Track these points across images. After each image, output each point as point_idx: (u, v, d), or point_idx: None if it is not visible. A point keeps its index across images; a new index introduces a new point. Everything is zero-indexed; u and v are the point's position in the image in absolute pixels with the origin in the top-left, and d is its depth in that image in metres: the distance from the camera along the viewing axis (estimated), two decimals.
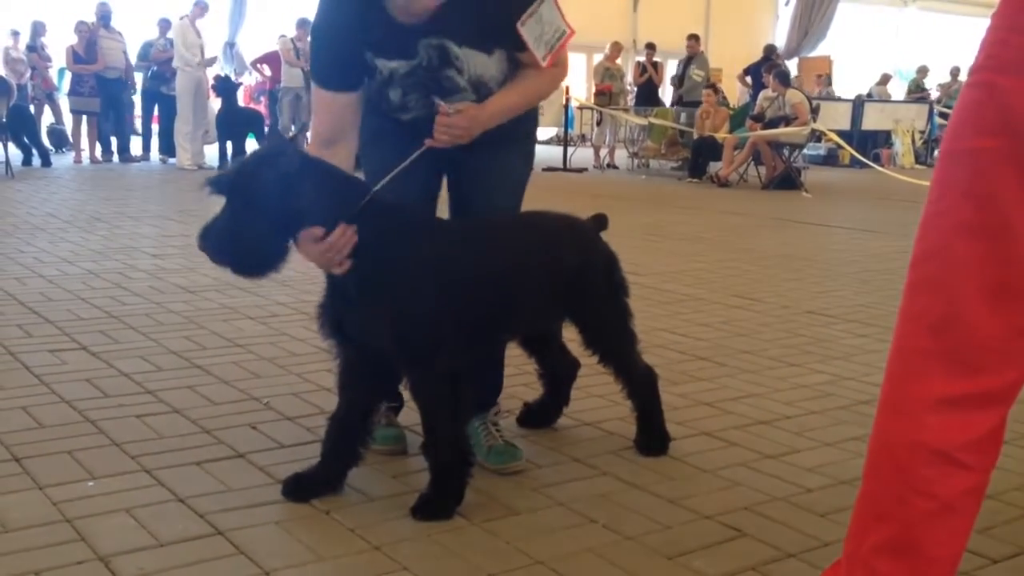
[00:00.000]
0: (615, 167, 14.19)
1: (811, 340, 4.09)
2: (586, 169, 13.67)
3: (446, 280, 2.27)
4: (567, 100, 13.76)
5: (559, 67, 2.46)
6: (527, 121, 2.55)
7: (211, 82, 12.12)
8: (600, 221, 2.73)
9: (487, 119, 2.35)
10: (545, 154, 14.61)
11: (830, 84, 17.90)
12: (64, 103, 13.31)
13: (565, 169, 13.55)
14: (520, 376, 3.17)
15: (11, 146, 11.23)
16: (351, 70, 2.37)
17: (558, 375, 2.87)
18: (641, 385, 2.70)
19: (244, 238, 2.16)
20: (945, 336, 1.43)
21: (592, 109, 14.23)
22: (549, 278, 2.46)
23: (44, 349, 3.57)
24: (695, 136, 12.58)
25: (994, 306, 1.40)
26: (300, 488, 2.35)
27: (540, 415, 2.90)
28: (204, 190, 2.20)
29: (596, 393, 3.16)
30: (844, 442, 2.83)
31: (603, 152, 14.33)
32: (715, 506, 2.36)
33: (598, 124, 14.33)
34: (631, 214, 8.87)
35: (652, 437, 2.71)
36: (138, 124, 13.72)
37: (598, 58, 15.39)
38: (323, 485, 2.36)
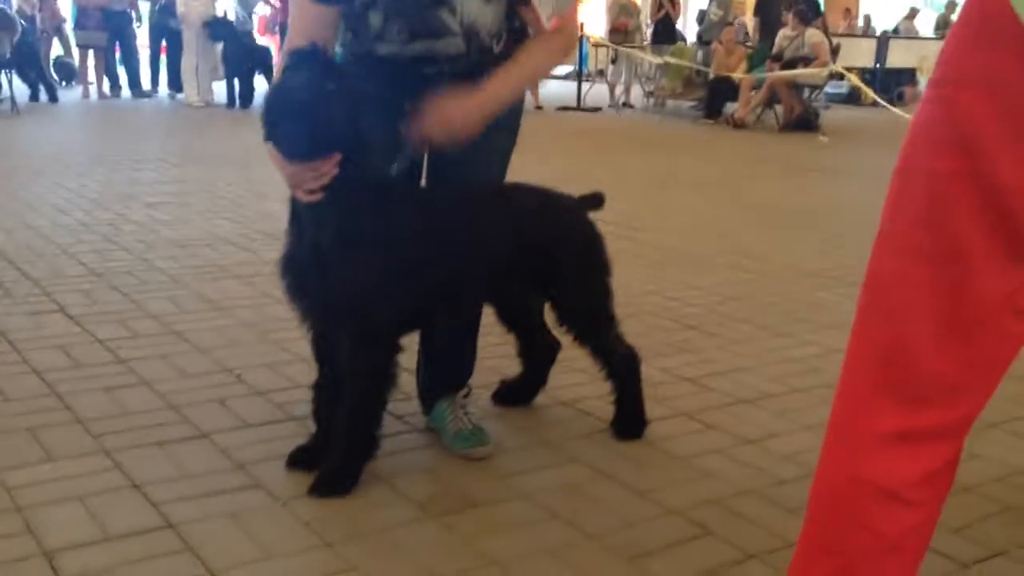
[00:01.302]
0: (631, 106, 13.95)
1: (808, 306, 3.99)
2: (600, 108, 13.46)
3: (409, 254, 2.20)
4: (581, 37, 13.46)
5: (565, 35, 2.33)
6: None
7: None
8: (593, 200, 2.62)
9: (488, 102, 2.21)
10: (559, 92, 14.41)
11: (857, 18, 17.48)
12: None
13: (579, 108, 13.36)
14: (503, 347, 3.09)
15: (17, 82, 11.15)
16: None
17: (537, 355, 2.80)
18: (620, 369, 2.62)
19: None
20: (893, 367, 1.34)
21: (607, 47, 13.93)
22: (513, 255, 2.37)
23: (22, 311, 3.53)
24: (711, 76, 12.32)
25: (945, 339, 1.30)
26: (302, 459, 2.35)
27: (516, 393, 2.83)
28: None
29: (577, 367, 3.07)
30: (824, 425, 2.74)
31: (618, 90, 14.08)
32: (683, 499, 2.30)
33: (613, 62, 14.05)
34: (640, 159, 8.72)
35: (628, 421, 2.65)
36: (145, 58, 13.56)
37: None
38: (321, 455, 2.33)
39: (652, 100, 13.85)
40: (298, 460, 2.35)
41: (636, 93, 14.22)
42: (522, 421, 2.73)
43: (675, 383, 3.08)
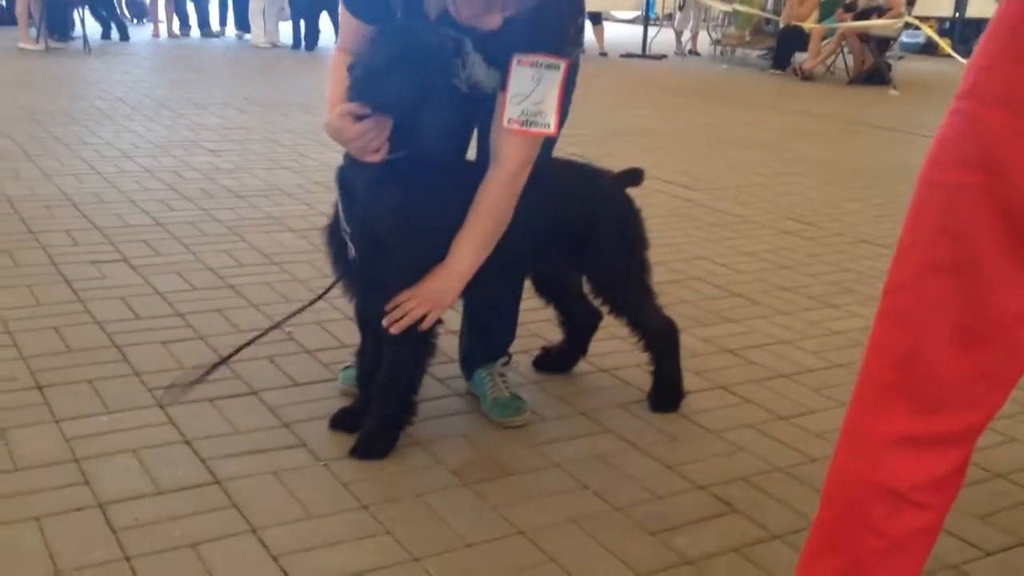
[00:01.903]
0: (697, 54, 13.75)
1: (858, 276, 3.98)
2: (666, 56, 13.29)
3: (455, 230, 2.26)
4: None
5: (515, 169, 2.23)
6: None
7: None
8: (632, 176, 2.63)
9: (464, 268, 2.25)
10: (625, 37, 14.25)
11: None
12: None
13: (644, 55, 13.19)
14: (545, 312, 3.14)
15: (89, 20, 11.33)
16: (377, 9, 2.30)
17: (577, 325, 2.85)
18: (657, 340, 2.66)
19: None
20: (907, 372, 1.37)
21: None
22: (550, 229, 2.41)
23: (87, 260, 3.66)
24: (781, 25, 12.07)
25: (959, 347, 1.33)
26: (345, 421, 2.45)
27: (557, 360, 2.89)
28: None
29: (619, 335, 3.09)
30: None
31: (685, 38, 13.87)
32: (712, 475, 2.35)
33: (680, 8, 13.82)
34: (702, 112, 8.64)
35: (664, 393, 2.69)
36: None
37: None
38: (364, 418, 2.42)
39: (719, 48, 13.62)
40: (340, 422, 2.45)
41: (703, 41, 13.99)
42: (561, 389, 2.79)
43: (716, 354, 3.11)
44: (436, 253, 2.24)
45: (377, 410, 2.37)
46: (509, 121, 2.19)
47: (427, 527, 2.08)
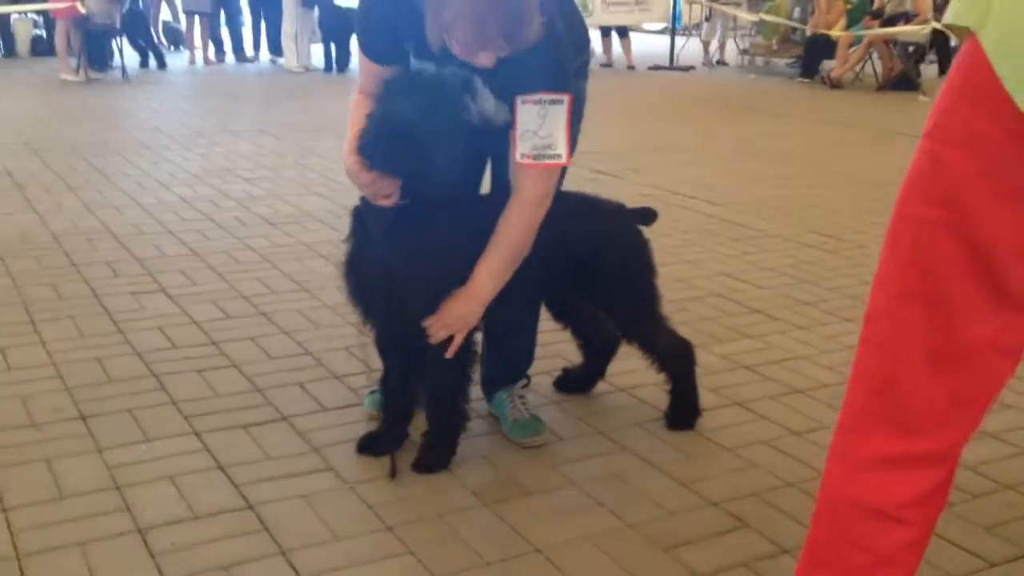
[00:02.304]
0: (725, 64, 13.78)
1: None
2: (693, 67, 13.34)
3: (471, 261, 2.37)
4: None
5: (534, 200, 2.35)
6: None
7: None
8: (644, 214, 2.71)
9: (483, 294, 2.36)
10: (653, 49, 14.32)
11: None
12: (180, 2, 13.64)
13: (671, 67, 13.25)
14: (568, 334, 3.24)
15: (128, 50, 11.62)
16: (392, 52, 2.41)
17: (595, 348, 2.94)
18: (671, 362, 2.74)
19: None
20: (886, 397, 1.45)
21: (701, 3, 13.75)
22: (561, 260, 2.50)
23: (127, 292, 3.81)
24: (808, 33, 12.09)
25: (934, 372, 1.41)
26: (371, 445, 2.57)
27: (577, 381, 2.99)
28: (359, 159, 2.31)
29: (637, 354, 3.20)
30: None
31: (712, 47, 13.91)
32: (724, 491, 2.43)
33: (707, 19, 13.87)
34: (728, 123, 8.69)
35: (680, 412, 2.77)
36: (249, 23, 13.92)
37: None
38: (389, 442, 2.55)
39: (747, 58, 13.65)
40: (367, 446, 2.56)
41: (731, 50, 14.03)
42: (580, 409, 2.88)
43: (733, 371, 3.19)
44: (453, 285, 2.35)
45: (433, 423, 2.51)
46: (522, 156, 2.29)
47: (447, 547, 2.18)
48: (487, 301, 2.37)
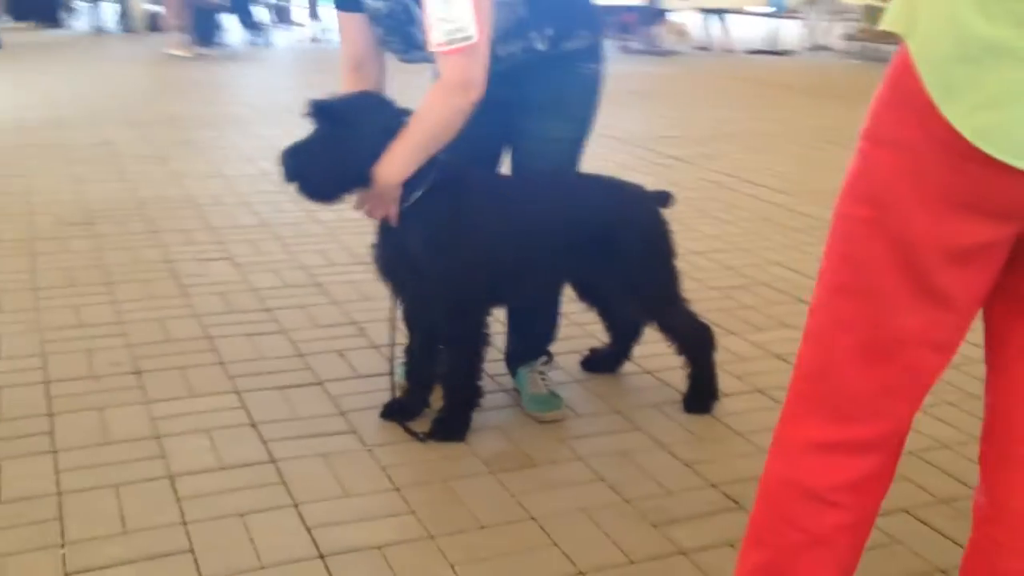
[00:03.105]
0: (828, 49, 13.51)
1: None
2: (794, 51, 13.12)
3: (492, 240, 2.49)
4: None
5: (454, 83, 2.31)
6: (574, 83, 2.62)
7: None
8: (662, 197, 2.77)
9: (393, 172, 2.37)
10: (756, 32, 14.12)
11: None
12: None
13: (771, 51, 13.06)
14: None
15: (236, 26, 12.02)
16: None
17: (620, 330, 3.03)
18: (690, 346, 2.81)
19: (322, 166, 2.38)
20: (820, 384, 1.52)
21: None
22: (579, 240, 2.59)
23: (196, 259, 4.05)
24: None
25: (864, 363, 1.47)
26: (394, 412, 2.72)
27: (603, 362, 3.08)
28: (306, 111, 2.39)
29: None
30: None
31: (816, 32, 13.65)
32: (726, 474, 2.50)
33: (811, 2, 13.61)
34: (816, 112, 8.57)
35: (697, 395, 2.84)
36: None
37: None
38: (411, 410, 2.71)
39: (851, 42, 13.35)
40: (390, 413, 2.71)
41: (835, 34, 13.74)
42: (601, 388, 2.98)
43: (763, 358, 3.23)
44: (470, 265, 2.47)
45: (447, 398, 2.64)
46: (436, 44, 2.29)
47: (448, 509, 2.31)
48: (398, 179, 2.37)
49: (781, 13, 13.99)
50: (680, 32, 13.62)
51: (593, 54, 2.61)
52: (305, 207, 4.86)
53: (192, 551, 2.11)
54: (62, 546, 2.12)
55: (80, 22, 14.05)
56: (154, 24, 13.69)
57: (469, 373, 2.60)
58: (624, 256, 2.63)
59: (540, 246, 2.55)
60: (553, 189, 2.63)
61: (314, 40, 13.31)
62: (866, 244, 1.43)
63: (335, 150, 2.34)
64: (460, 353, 2.58)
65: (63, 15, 14.20)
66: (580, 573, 2.08)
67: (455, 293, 2.51)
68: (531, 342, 2.88)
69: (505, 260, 2.53)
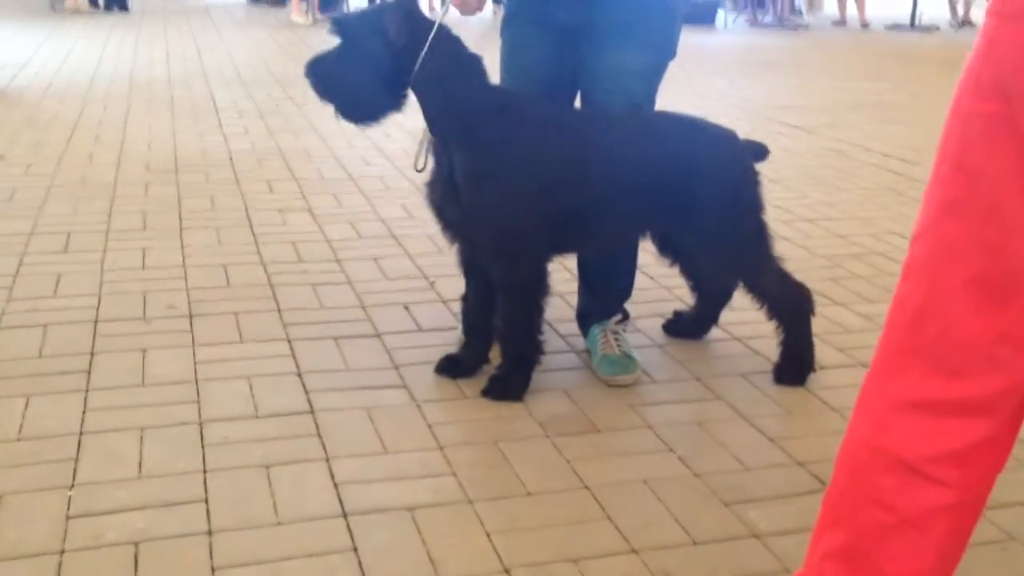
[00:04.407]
0: (972, 24, 12.65)
1: None
2: (938, 28, 12.34)
3: (545, 176, 2.23)
4: None
5: None
6: (649, 6, 2.34)
7: None
8: (757, 148, 2.46)
9: None
10: (890, 9, 13.35)
11: None
12: None
13: (912, 26, 12.33)
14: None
15: None
16: None
17: (708, 293, 2.72)
18: (784, 310, 2.49)
19: (352, 78, 2.22)
20: (923, 329, 1.21)
21: None
22: (654, 184, 2.30)
23: (275, 208, 3.90)
24: None
25: (978, 301, 1.16)
26: (449, 366, 2.49)
27: (687, 326, 2.78)
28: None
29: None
30: None
31: (960, 7, 12.82)
32: (816, 452, 2.18)
33: None
34: (950, 86, 7.94)
35: (789, 365, 2.52)
36: None
37: None
38: (467, 365, 2.48)
39: None
40: (445, 368, 2.48)
41: (980, 8, 12.87)
42: (683, 353, 2.68)
43: (871, 331, 2.87)
44: (526, 198, 2.22)
45: (504, 353, 2.40)
46: None
47: (493, 472, 2.06)
48: None
49: None
50: (812, 1, 13.00)
51: None
52: (395, 162, 4.69)
53: (206, 500, 1.93)
54: (71, 487, 1.96)
55: None
56: None
57: (526, 325, 2.34)
58: (704, 203, 2.33)
59: (606, 187, 2.27)
60: (625, 124, 2.34)
61: (432, 9, 13.19)
62: (988, 148, 1.11)
63: (363, 63, 2.13)
64: (514, 302, 2.32)
65: None
66: (633, 551, 1.81)
67: (503, 231, 2.25)
68: (604, 298, 2.60)
69: (563, 199, 2.26)
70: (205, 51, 8.53)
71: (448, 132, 2.25)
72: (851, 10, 12.82)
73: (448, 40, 2.21)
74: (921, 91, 7.55)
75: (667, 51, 2.39)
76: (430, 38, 2.15)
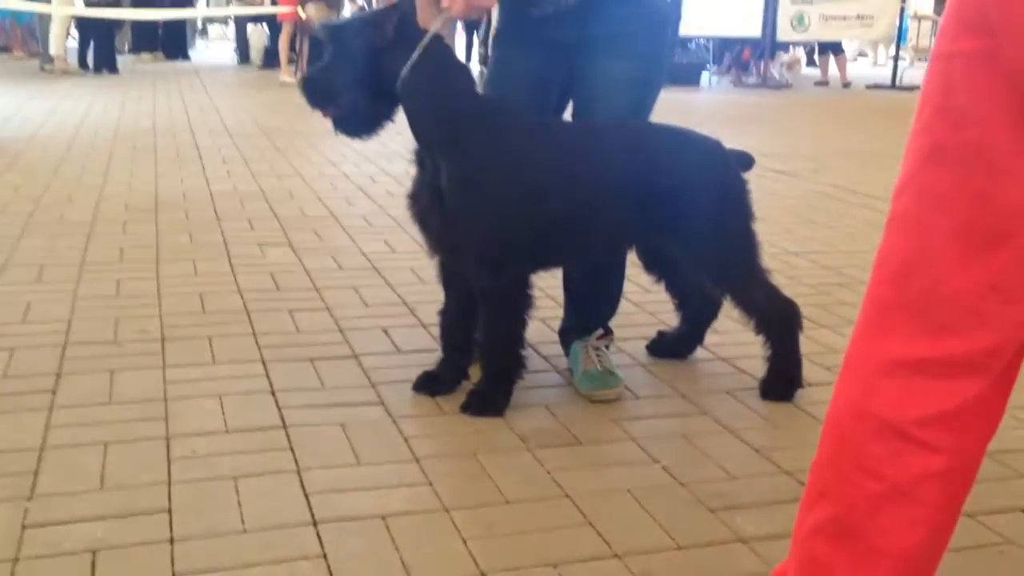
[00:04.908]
0: None
1: None
2: (918, 87, 12.50)
3: (531, 184, 2.20)
4: (902, 8, 12.56)
5: None
6: (639, 17, 2.33)
7: None
8: (742, 157, 2.44)
9: None
10: (873, 70, 13.57)
11: None
12: None
13: (893, 86, 12.50)
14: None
15: None
16: None
17: (694, 311, 2.67)
18: (771, 323, 2.44)
19: (340, 82, 2.18)
20: (908, 285, 1.16)
21: (932, 20, 12.89)
22: (641, 195, 2.27)
23: (254, 243, 3.85)
24: None
25: (964, 252, 1.11)
26: (427, 383, 2.42)
27: (671, 346, 2.72)
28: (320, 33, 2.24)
29: (739, 318, 2.90)
30: (1015, 408, 2.42)
31: None
32: (803, 461, 2.08)
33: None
34: None
35: (777, 380, 2.46)
36: None
37: None
38: (446, 380, 2.42)
39: None
40: (423, 384, 2.41)
41: None
42: (667, 372, 2.62)
43: None
44: (511, 206, 2.18)
45: (484, 367, 2.34)
46: None
47: (471, 482, 1.99)
48: None
49: (903, 47, 13.38)
50: (792, 63, 13.19)
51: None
52: (379, 202, 4.66)
53: (169, 511, 1.84)
54: (29, 499, 1.87)
55: (200, 56, 14.42)
56: (269, 57, 13.95)
57: (509, 338, 2.28)
58: (693, 212, 2.28)
59: (593, 197, 2.23)
60: (610, 133, 2.31)
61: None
62: (971, 86, 1.07)
63: (350, 65, 2.10)
64: (497, 314, 2.27)
65: (188, 50, 14.64)
66: (615, 556, 1.73)
67: (486, 240, 2.21)
68: (587, 313, 2.54)
69: (549, 208, 2.21)
70: (192, 106, 8.56)
71: (434, 139, 2.21)
72: (832, 70, 13.00)
73: (439, 48, 2.18)
74: (905, 141, 7.57)
75: (656, 62, 2.37)
76: (421, 45, 2.13)
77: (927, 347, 1.15)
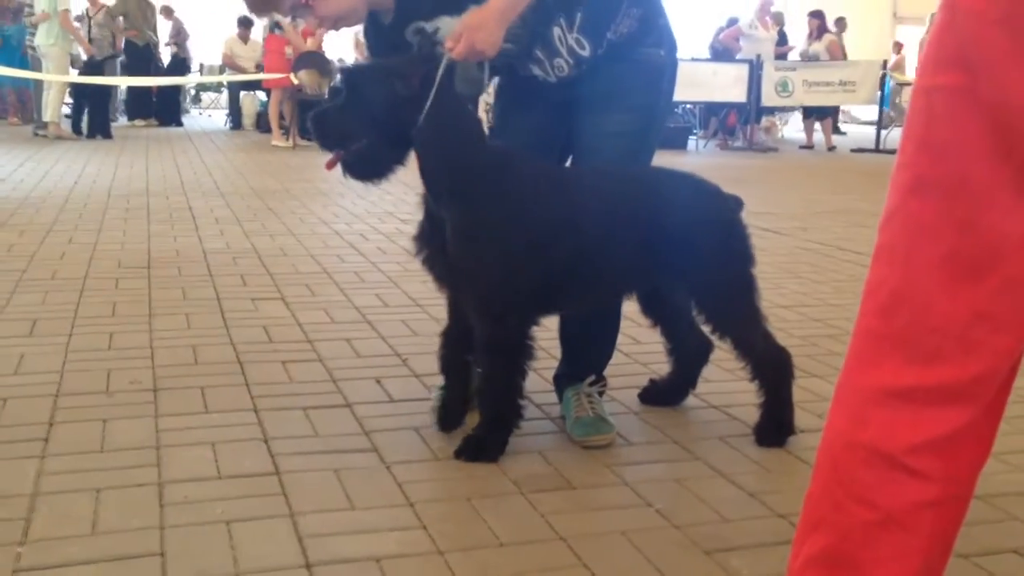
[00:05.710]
0: None
1: None
2: None
3: (536, 235, 2.22)
4: (884, 74, 12.80)
5: None
6: (634, 74, 2.38)
7: None
8: (737, 200, 2.48)
9: (497, 5, 2.13)
10: (859, 134, 13.78)
11: None
12: None
13: (877, 150, 12.67)
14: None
15: None
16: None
17: (687, 355, 2.69)
18: (765, 368, 2.46)
19: (357, 128, 2.18)
20: (896, 315, 1.18)
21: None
22: (644, 240, 2.30)
23: (248, 297, 3.87)
24: None
25: (950, 280, 1.13)
26: (449, 418, 2.45)
27: (663, 393, 2.73)
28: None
29: (734, 366, 2.91)
30: (1006, 454, 2.43)
31: None
32: (797, 505, 2.07)
33: None
34: None
35: (770, 426, 2.47)
36: None
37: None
38: (450, 407, 2.45)
39: None
40: (446, 420, 2.44)
41: None
42: (660, 419, 2.63)
43: None
44: (515, 258, 2.21)
45: (482, 414, 2.35)
46: None
47: (465, 526, 1.98)
48: (504, 12, 2.12)
49: (886, 112, 13.61)
50: (768, 127, 13.40)
51: (648, 35, 2.37)
52: (371, 259, 4.69)
53: (162, 554, 1.83)
54: (21, 544, 1.86)
55: (194, 122, 14.57)
56: (261, 123, 14.09)
57: (508, 387, 2.29)
58: (697, 254, 2.32)
59: (600, 244, 2.26)
60: (614, 180, 2.35)
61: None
62: (951, 121, 1.10)
63: (368, 112, 2.13)
64: (497, 364, 2.28)
65: (182, 117, 14.80)
66: None
67: (490, 290, 2.23)
68: (581, 359, 2.56)
69: (555, 259, 2.24)
70: (185, 169, 8.62)
71: (443, 187, 2.23)
72: (817, 135, 13.20)
73: (449, 96, 2.20)
74: (882, 199, 7.68)
75: (652, 112, 2.41)
76: (432, 92, 2.16)
77: (917, 375, 1.16)
